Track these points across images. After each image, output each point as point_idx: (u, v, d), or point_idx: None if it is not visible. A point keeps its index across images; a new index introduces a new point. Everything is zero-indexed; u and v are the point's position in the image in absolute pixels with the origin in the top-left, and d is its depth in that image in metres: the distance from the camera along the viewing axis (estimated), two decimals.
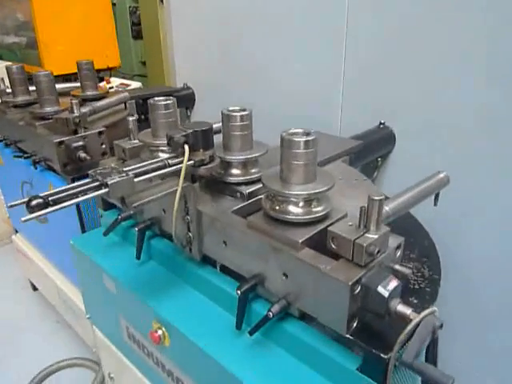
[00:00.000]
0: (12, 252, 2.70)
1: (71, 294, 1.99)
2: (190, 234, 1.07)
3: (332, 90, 1.85)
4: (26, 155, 1.80)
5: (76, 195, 0.82)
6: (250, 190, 1.06)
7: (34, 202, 0.76)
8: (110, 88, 2.72)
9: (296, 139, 0.87)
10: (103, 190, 0.83)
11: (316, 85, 1.93)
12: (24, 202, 0.78)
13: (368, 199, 0.80)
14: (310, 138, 0.87)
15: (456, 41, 1.47)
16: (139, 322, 1.22)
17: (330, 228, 0.83)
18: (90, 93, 2.01)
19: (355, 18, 1.72)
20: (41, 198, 0.77)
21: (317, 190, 0.88)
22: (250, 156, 1.07)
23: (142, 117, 2.24)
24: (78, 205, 1.64)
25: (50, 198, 0.78)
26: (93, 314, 1.53)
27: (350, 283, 0.76)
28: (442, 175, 1.08)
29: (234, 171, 1.09)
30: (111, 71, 3.48)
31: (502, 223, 1.51)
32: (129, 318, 1.28)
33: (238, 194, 1.07)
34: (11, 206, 0.79)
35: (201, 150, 0.98)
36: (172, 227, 1.01)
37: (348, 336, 0.81)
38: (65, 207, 0.79)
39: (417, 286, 0.94)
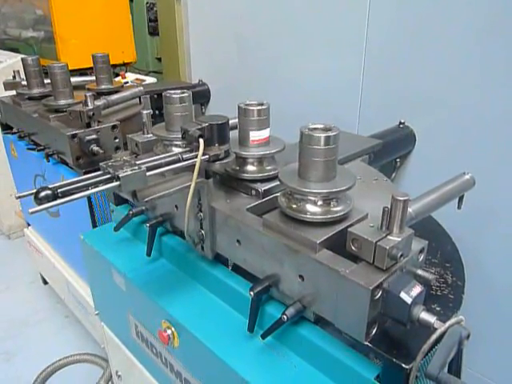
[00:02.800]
0: (24, 245, 2.71)
1: (81, 288, 1.98)
2: (203, 232, 1.03)
3: (351, 89, 1.80)
4: (39, 148, 1.79)
5: (86, 187, 0.79)
6: (266, 187, 1.02)
7: (42, 194, 0.73)
8: (126, 83, 2.71)
9: (316, 134, 0.83)
10: (114, 183, 0.80)
11: (335, 83, 1.88)
12: (32, 193, 0.75)
13: (392, 199, 0.75)
14: (331, 134, 0.82)
15: (480, 37, 1.41)
16: (148, 321, 1.19)
17: (350, 229, 0.79)
18: (104, 86, 1.99)
19: (376, 16, 1.67)
20: (49, 189, 0.74)
21: (337, 189, 0.84)
22: (266, 152, 1.04)
23: (157, 112, 2.21)
24: (89, 199, 1.62)
25: (59, 190, 0.75)
26: (101, 310, 1.51)
27: (371, 288, 0.71)
28: (467, 177, 1.03)
29: (250, 168, 1.05)
30: (127, 67, 3.47)
31: None
32: (138, 316, 1.25)
33: (254, 192, 1.03)
34: (19, 197, 0.76)
35: (216, 145, 0.95)
36: (184, 224, 0.97)
37: (367, 343, 0.76)
38: (74, 200, 0.76)
39: (439, 293, 0.89)
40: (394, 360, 0.73)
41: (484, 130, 1.47)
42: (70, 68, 1.88)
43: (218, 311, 1.05)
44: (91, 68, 3.14)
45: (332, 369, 0.84)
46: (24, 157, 2.04)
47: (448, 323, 0.69)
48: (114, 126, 1.66)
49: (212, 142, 0.94)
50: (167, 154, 0.93)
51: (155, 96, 2.20)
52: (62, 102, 1.73)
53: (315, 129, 0.86)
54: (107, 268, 1.29)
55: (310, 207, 0.87)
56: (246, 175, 1.04)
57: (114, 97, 1.79)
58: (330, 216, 0.85)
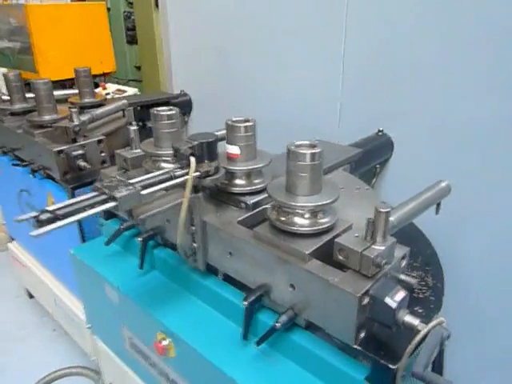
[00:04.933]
0: (7, 260, 2.68)
1: (69, 301, 1.98)
2: (195, 245, 1.07)
3: (330, 98, 1.87)
4: (24, 163, 1.79)
5: (84, 209, 0.82)
6: (255, 200, 1.07)
7: (43, 217, 0.76)
8: (107, 94, 2.72)
9: (302, 151, 0.88)
10: (111, 204, 0.83)
11: (314, 92, 1.94)
12: (33, 217, 0.78)
13: (375, 211, 0.81)
14: (316, 151, 0.88)
15: (457, 45, 1.49)
16: (143, 333, 1.22)
17: (336, 240, 0.84)
18: (87, 100, 2.00)
19: (353, 27, 1.74)
20: (49, 212, 0.77)
21: (322, 202, 0.89)
22: (254, 167, 1.08)
23: (140, 123, 2.24)
24: None
25: (57, 212, 0.78)
26: (94, 323, 1.53)
27: (359, 295, 0.76)
28: (443, 184, 1.10)
29: (238, 181, 1.10)
30: (106, 77, 3.47)
31: (501, 230, 1.53)
32: (132, 329, 1.27)
33: (243, 205, 1.07)
34: (18, 221, 0.79)
35: (206, 161, 0.98)
36: (177, 238, 1.01)
37: (356, 347, 0.81)
38: (73, 222, 0.78)
39: (421, 295, 0.96)
40: (382, 361, 0.79)
41: (458, 137, 1.55)
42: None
43: (211, 320, 1.08)
44: (70, 79, 3.13)
45: (324, 371, 0.89)
46: (8, 172, 2.04)
47: (430, 325, 0.75)
48: (99, 141, 1.68)
49: (202, 158, 0.98)
50: (159, 172, 0.96)
51: (138, 108, 2.22)
52: (47, 117, 1.74)
53: (300, 145, 0.91)
54: (99, 282, 1.31)
55: (297, 220, 0.91)
56: (235, 189, 1.09)
57: (99, 111, 1.81)
58: (317, 228, 0.90)
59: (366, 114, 1.76)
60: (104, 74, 3.42)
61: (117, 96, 2.69)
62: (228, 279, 1.08)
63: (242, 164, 1.08)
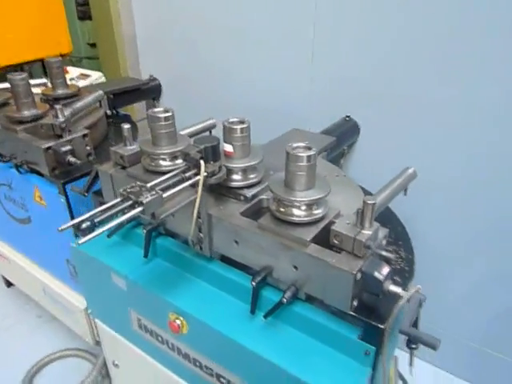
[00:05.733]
0: None
1: (59, 289, 2.06)
2: (201, 235, 1.20)
3: (300, 85, 2.01)
4: (5, 159, 1.81)
5: (116, 215, 0.93)
6: (252, 192, 1.21)
7: (84, 226, 0.86)
8: (71, 80, 2.68)
9: (300, 154, 1.03)
10: (139, 209, 0.94)
11: (284, 80, 2.07)
12: (72, 225, 0.88)
13: (363, 203, 0.98)
14: (311, 153, 1.03)
15: (422, 30, 1.66)
16: (153, 314, 1.35)
17: (333, 227, 1.00)
18: (61, 92, 2.00)
19: (323, 13, 1.86)
20: (88, 220, 0.87)
21: (319, 196, 1.05)
22: (250, 164, 1.22)
23: (114, 111, 2.28)
24: (70, 207, 1.70)
25: (95, 220, 0.89)
26: (96, 309, 1.64)
27: (354, 272, 0.94)
28: (410, 171, 1.29)
29: (236, 177, 1.23)
30: (64, 58, 3.37)
31: (455, 200, 1.78)
32: (141, 311, 1.40)
33: (242, 197, 1.21)
34: (62, 230, 0.88)
35: (211, 163, 1.11)
36: (190, 231, 1.14)
37: (351, 313, 1.00)
38: (109, 228, 0.89)
39: (398, 266, 1.16)
40: (373, 323, 0.98)
41: (417, 122, 1.76)
42: (3, 64, 1.82)
43: (219, 299, 1.23)
44: (27, 63, 3.04)
45: (323, 335, 1.07)
46: None
47: (410, 292, 0.94)
48: (84, 135, 1.73)
49: (208, 160, 1.10)
50: (170, 175, 1.08)
51: (111, 96, 2.25)
52: (26, 113, 1.76)
53: (297, 147, 1.06)
54: (105, 271, 1.42)
55: (296, 211, 1.07)
56: (233, 183, 1.22)
57: (79, 104, 1.84)
58: (313, 217, 1.06)
59: (334, 100, 1.93)
60: (61, 56, 3.32)
61: (81, 81, 2.67)
62: (227, 261, 1.23)
63: (238, 161, 1.22)
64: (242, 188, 1.23)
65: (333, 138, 1.65)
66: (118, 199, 0.98)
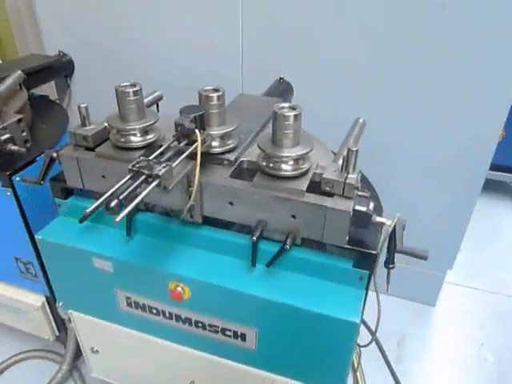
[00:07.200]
0: None
1: (10, 294, 1.90)
2: (194, 203, 1.25)
3: (231, 47, 2.06)
4: None
5: (135, 191, 0.94)
6: (233, 156, 1.29)
7: (113, 204, 0.87)
8: None
9: (287, 114, 1.13)
10: (155, 182, 0.96)
11: (214, 44, 2.10)
12: (98, 206, 0.88)
13: (348, 150, 1.13)
14: (297, 112, 1.13)
15: None
16: (148, 288, 1.37)
17: (324, 176, 1.14)
18: None
19: None
20: (115, 198, 0.88)
21: (306, 151, 1.17)
22: (228, 130, 1.28)
23: (29, 93, 2.09)
24: (18, 200, 1.57)
25: (120, 197, 0.89)
26: (69, 300, 1.58)
27: (350, 211, 1.10)
28: (361, 120, 1.48)
29: (216, 143, 1.29)
30: None
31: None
32: (130, 289, 1.41)
33: (226, 162, 1.28)
34: (88, 214, 0.87)
35: (201, 131, 1.15)
36: (191, 199, 1.18)
37: (347, 246, 1.16)
38: (136, 205, 0.91)
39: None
40: (367, 250, 1.16)
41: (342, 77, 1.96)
42: None
43: (215, 260, 1.30)
44: None
45: (321, 272, 1.22)
46: None
47: (395, 220, 1.13)
48: (19, 120, 1.59)
49: (199, 129, 1.14)
50: (165, 147, 1.10)
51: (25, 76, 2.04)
52: None
53: (283, 107, 1.15)
54: (84, 258, 1.38)
55: (286, 166, 1.18)
56: (215, 150, 1.28)
57: (2, 88, 1.67)
58: (302, 170, 1.18)
59: (266, 62, 2.04)
60: None
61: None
62: (208, 222, 1.30)
63: (218, 128, 1.27)
64: (223, 153, 1.29)
65: (279, 99, 1.77)
66: (127, 177, 0.98)
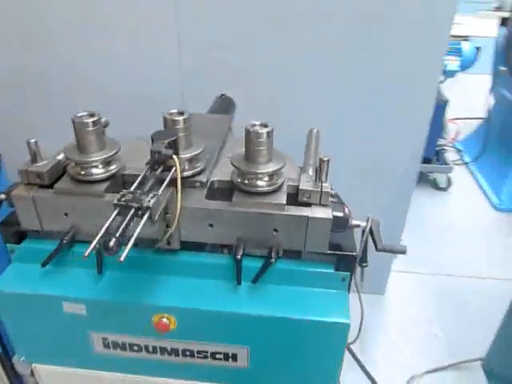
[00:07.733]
0: None
1: None
2: (171, 229, 1.22)
3: (170, 70, 2.04)
4: None
5: (128, 225, 0.90)
6: (205, 177, 1.28)
7: (111, 243, 0.82)
8: None
9: (260, 131, 1.15)
10: (146, 214, 0.93)
11: (151, 64, 2.07)
12: (96, 246, 0.83)
13: (320, 160, 1.18)
14: (269, 129, 1.16)
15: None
16: (128, 325, 1.30)
17: (301, 187, 1.18)
18: None
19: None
20: (113, 236, 0.84)
21: (280, 166, 1.20)
22: (196, 152, 1.27)
23: None
24: None
25: (116, 235, 0.85)
26: (32, 353, 1.44)
27: (331, 218, 1.15)
28: (315, 131, 1.55)
29: (187, 166, 1.27)
30: None
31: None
32: (107, 329, 1.32)
33: (198, 184, 1.27)
34: (85, 257, 0.82)
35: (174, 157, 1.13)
36: (172, 227, 1.14)
37: (329, 251, 1.22)
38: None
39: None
40: (347, 253, 1.22)
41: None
42: None
43: (196, 285, 1.28)
44: None
45: (305, 279, 1.26)
46: None
47: (369, 222, 1.21)
48: None
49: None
50: (142, 176, 1.07)
51: None
52: None
53: (255, 125, 1.18)
54: (51, 304, 1.28)
55: (261, 183, 1.21)
56: (186, 173, 1.26)
57: None
58: (278, 185, 1.21)
59: (207, 80, 2.05)
60: None
61: None
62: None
63: (186, 152, 1.26)
64: (193, 176, 1.28)
65: (227, 115, 1.78)
66: (115, 212, 0.94)
